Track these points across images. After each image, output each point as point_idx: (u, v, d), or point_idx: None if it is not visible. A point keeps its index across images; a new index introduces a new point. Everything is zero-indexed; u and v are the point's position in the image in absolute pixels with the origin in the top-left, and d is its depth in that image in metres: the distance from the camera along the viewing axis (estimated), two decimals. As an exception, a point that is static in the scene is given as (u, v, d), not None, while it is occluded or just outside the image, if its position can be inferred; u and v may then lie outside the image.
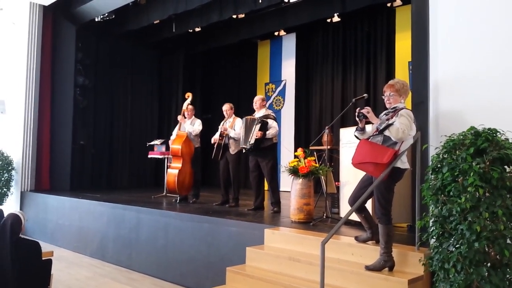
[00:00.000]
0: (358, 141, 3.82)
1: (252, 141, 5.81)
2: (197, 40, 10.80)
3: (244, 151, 6.07)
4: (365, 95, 5.41)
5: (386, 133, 3.56)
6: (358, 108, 3.79)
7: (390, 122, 3.57)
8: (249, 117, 6.05)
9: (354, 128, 4.03)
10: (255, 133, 5.79)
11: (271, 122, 5.90)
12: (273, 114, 6.14)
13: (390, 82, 3.81)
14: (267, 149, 5.89)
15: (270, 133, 5.85)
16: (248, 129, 5.92)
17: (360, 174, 3.92)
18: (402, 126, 3.48)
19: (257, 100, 6.19)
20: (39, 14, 9.03)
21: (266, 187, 6.23)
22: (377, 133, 3.67)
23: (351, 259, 3.89)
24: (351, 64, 9.50)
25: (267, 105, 6.69)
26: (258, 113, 6.11)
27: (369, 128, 3.90)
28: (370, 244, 3.91)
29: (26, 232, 7.74)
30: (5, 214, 3.69)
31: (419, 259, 3.40)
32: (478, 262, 2.81)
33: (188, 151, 6.86)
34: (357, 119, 3.79)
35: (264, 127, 5.81)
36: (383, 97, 3.78)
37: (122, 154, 10.60)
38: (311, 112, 10.14)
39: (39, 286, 3.62)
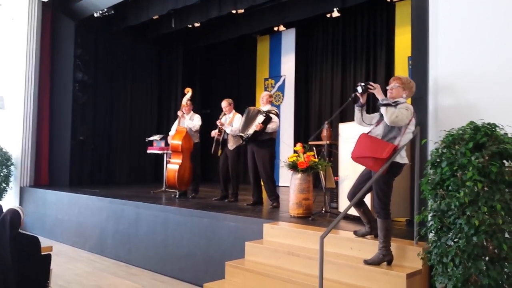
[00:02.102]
0: (357, 136, 3.82)
1: (250, 131, 5.80)
2: (197, 35, 10.78)
3: (241, 141, 6.05)
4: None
5: (383, 110, 3.57)
6: (359, 83, 3.80)
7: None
8: (253, 107, 6.04)
9: (353, 123, 4.04)
10: (256, 124, 5.78)
11: (273, 117, 5.88)
12: (276, 110, 6.10)
13: (398, 75, 3.83)
14: (264, 142, 5.86)
15: (270, 127, 5.83)
16: (249, 119, 5.89)
17: (359, 168, 3.92)
18: (398, 112, 3.50)
19: (264, 95, 6.16)
20: (38, 9, 9.01)
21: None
22: (377, 126, 3.69)
23: (350, 253, 3.90)
24: (350, 59, 9.49)
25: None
26: (263, 108, 6.06)
27: (370, 118, 3.90)
28: (368, 238, 3.92)
29: (25, 227, 7.75)
30: (4, 210, 3.69)
31: (418, 253, 3.41)
32: (476, 256, 2.82)
33: (188, 146, 6.87)
34: (357, 93, 3.79)
35: (267, 121, 5.78)
36: (387, 88, 3.78)
37: (121, 150, 10.58)
38: (311, 107, 10.15)
39: (39, 281, 3.62)
